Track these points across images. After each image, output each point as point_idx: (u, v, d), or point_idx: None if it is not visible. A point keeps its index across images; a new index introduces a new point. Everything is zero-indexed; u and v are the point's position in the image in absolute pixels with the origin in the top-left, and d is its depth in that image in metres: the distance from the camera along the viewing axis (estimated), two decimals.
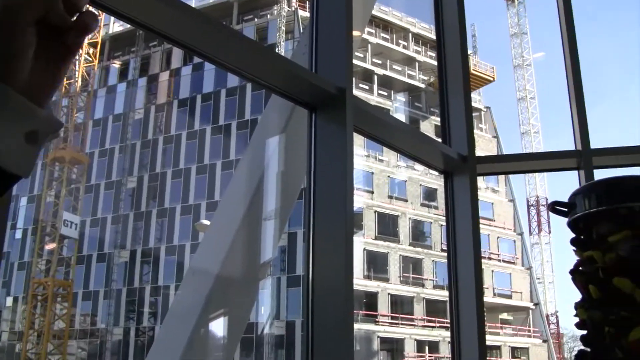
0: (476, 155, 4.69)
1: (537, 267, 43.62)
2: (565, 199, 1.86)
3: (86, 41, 37.17)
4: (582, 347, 1.74)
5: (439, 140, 4.82)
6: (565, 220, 1.85)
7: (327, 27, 3.83)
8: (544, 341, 40.51)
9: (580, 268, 1.77)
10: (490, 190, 41.79)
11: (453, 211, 4.56)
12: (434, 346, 35.27)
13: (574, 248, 1.82)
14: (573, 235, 1.83)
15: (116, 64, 43.13)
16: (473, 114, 4.72)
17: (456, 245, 4.48)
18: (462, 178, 4.59)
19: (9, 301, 38.67)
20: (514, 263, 41.98)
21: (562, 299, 42.68)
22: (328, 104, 3.63)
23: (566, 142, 4.97)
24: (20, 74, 0.80)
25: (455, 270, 4.43)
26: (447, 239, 4.58)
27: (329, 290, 3.33)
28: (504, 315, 41.04)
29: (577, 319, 1.76)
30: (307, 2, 37.03)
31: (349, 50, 3.77)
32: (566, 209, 1.83)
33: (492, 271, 39.52)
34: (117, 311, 37.04)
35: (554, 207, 1.86)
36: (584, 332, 1.73)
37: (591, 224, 1.76)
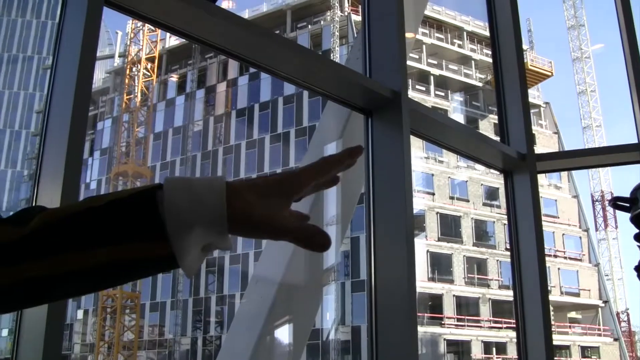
0: (536, 152, 4.65)
1: (605, 264, 42.81)
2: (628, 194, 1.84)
3: (144, 56, 37.86)
4: None
5: (497, 139, 4.79)
6: (628, 215, 1.83)
7: (379, 31, 3.85)
8: (615, 340, 39.67)
9: None
10: (553, 187, 41.17)
11: (514, 210, 4.52)
12: (501, 347, 34.87)
13: (638, 244, 1.80)
14: (636, 230, 1.81)
15: (174, 78, 43.75)
16: (532, 110, 4.68)
17: (519, 245, 4.44)
18: (522, 176, 4.55)
19: (80, 314, 39.44)
20: (580, 260, 41.24)
21: (632, 296, 41.80)
22: (384, 108, 3.65)
23: (630, 135, 4.89)
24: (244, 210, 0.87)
25: (519, 270, 4.39)
26: (510, 238, 4.55)
27: (391, 294, 3.34)
28: (573, 314, 40.34)
29: None
30: (360, 6, 37.05)
31: (403, 53, 3.78)
32: (628, 204, 1.81)
33: (559, 269, 38.91)
34: (184, 321, 37.50)
35: (616, 202, 1.84)
36: None
37: None
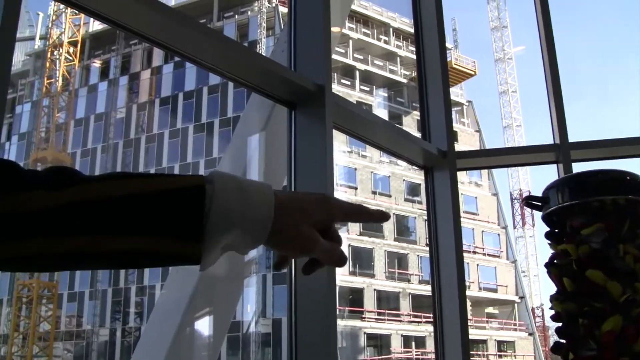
0: (456, 150, 4.73)
1: (522, 261, 43.88)
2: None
3: (66, 40, 37.03)
4: (558, 339, 1.77)
5: (419, 135, 4.85)
6: (540, 214, 1.88)
7: (305, 25, 3.85)
8: (530, 334, 40.73)
9: (555, 261, 1.80)
10: (473, 184, 41.97)
11: (434, 206, 4.59)
12: (420, 342, 35.40)
13: (549, 241, 1.85)
14: (548, 228, 1.86)
15: (97, 63, 42.93)
16: (455, 109, 4.76)
17: (438, 241, 4.51)
18: (442, 173, 4.62)
19: None
20: (498, 257, 42.17)
21: (547, 292, 42.87)
22: (307, 101, 3.65)
23: (548, 135, 5.02)
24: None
25: (438, 266, 4.46)
26: (429, 234, 4.62)
27: (311, 287, 3.35)
28: (490, 309, 41.24)
29: (552, 312, 1.79)
30: None
31: (327, 47, 3.79)
32: (540, 203, 1.86)
33: (477, 265, 39.70)
34: (102, 312, 36.90)
35: (529, 201, 1.89)
36: (560, 324, 1.76)
37: (565, 218, 1.78)
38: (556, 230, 1.83)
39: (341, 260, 0.96)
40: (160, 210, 0.81)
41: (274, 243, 0.89)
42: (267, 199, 0.86)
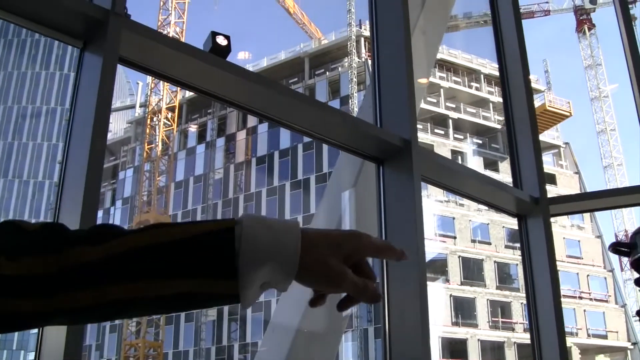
0: (553, 194, 4.68)
1: (632, 305, 42.25)
2: None
3: (164, 106, 38.29)
4: None
5: (510, 184, 4.82)
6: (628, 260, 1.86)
7: (388, 80, 3.92)
8: None
9: None
10: (575, 228, 40.87)
11: (529, 253, 4.54)
12: None
13: (639, 288, 1.83)
14: (637, 275, 1.84)
15: (193, 128, 44.12)
16: (552, 151, 4.71)
17: (535, 289, 4.45)
18: (535, 220, 4.58)
19: None
20: (607, 301, 40.74)
21: None
22: (394, 156, 3.71)
23: None
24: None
25: (536, 314, 4.40)
26: (525, 282, 4.56)
27: (406, 340, 3.35)
28: (601, 357, 39.73)
29: None
30: (371, 56, 37.31)
31: (412, 102, 3.85)
32: (627, 249, 1.85)
33: (584, 311, 38.44)
34: None
35: (616, 247, 1.88)
36: None
37: None
38: None
39: (374, 297, 0.96)
40: (197, 254, 0.87)
41: (304, 278, 0.92)
42: (294, 235, 0.90)
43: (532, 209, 4.57)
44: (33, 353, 2.26)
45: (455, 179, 4.22)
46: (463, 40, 41.28)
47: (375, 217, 3.77)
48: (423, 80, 5.70)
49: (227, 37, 2.97)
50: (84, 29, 2.67)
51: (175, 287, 0.87)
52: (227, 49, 2.96)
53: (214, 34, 2.96)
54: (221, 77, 2.96)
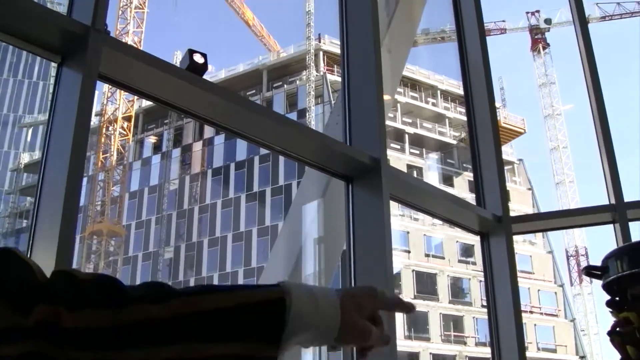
0: (511, 214, 4.77)
1: (581, 319, 42.86)
2: (604, 249, 1.96)
3: (120, 115, 37.97)
4: None
5: (474, 202, 4.91)
6: (600, 282, 1.93)
7: (359, 100, 3.97)
8: None
9: (617, 329, 1.84)
10: (527, 243, 41.34)
11: (491, 271, 4.62)
12: None
13: (610, 310, 1.90)
14: (608, 297, 1.91)
15: (152, 139, 43.79)
16: (506, 167, 4.81)
17: (496, 305, 4.53)
18: (498, 238, 4.66)
19: None
20: (556, 316, 41.27)
21: (609, 350, 41.71)
22: (363, 174, 3.76)
23: (603, 191, 5.01)
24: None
25: (497, 329, 4.48)
26: (487, 298, 4.64)
27: (374, 354, 3.39)
28: None
29: None
30: (335, 67, 37.52)
31: (382, 121, 3.91)
32: (600, 272, 1.92)
33: (535, 325, 38.88)
34: None
35: (589, 271, 1.95)
36: None
37: (625, 286, 1.84)
38: (617, 298, 1.88)
39: (388, 342, 1.08)
40: (247, 320, 0.94)
41: (338, 339, 1.01)
42: (334, 305, 0.99)
43: (495, 227, 4.66)
44: None
45: (423, 198, 4.29)
46: (421, 57, 41.66)
47: (344, 229, 3.81)
48: (387, 97, 5.77)
49: (204, 55, 3.00)
50: (62, 44, 2.67)
51: (224, 349, 0.92)
52: (204, 67, 2.98)
53: (191, 52, 2.98)
54: (200, 95, 2.98)
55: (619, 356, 1.84)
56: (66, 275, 0.90)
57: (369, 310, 1.03)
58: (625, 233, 4.59)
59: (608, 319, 1.92)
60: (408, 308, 1.14)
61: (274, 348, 0.94)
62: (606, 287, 1.91)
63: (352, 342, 1.03)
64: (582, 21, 5.60)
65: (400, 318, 33.52)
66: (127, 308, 0.88)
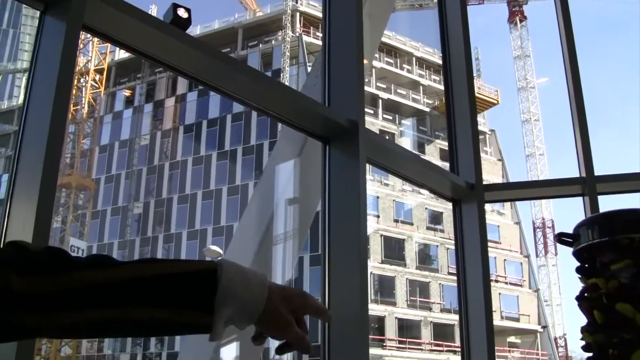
0: (483, 182, 4.83)
1: (544, 290, 43.52)
2: (571, 222, 2.01)
3: (92, 68, 37.51)
4: None
5: (447, 169, 4.96)
6: (571, 250, 1.99)
7: (338, 61, 3.97)
8: None
9: (586, 294, 1.90)
10: (496, 213, 41.76)
11: (462, 238, 4.69)
12: None
13: (579, 276, 1.96)
14: (578, 263, 1.97)
15: (127, 93, 43.35)
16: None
17: (465, 272, 4.60)
18: (470, 206, 4.72)
19: None
20: (521, 285, 41.86)
21: (570, 321, 42.53)
22: (341, 136, 3.77)
23: (572, 165, 5.09)
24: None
25: (465, 297, 4.55)
26: (457, 265, 4.71)
27: (344, 314, 3.44)
28: (512, 339, 40.85)
29: (583, 342, 1.89)
30: (311, 28, 37.33)
31: (361, 84, 3.92)
32: (571, 240, 1.97)
33: (499, 294, 39.41)
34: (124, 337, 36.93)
35: (560, 237, 2.00)
36: (590, 354, 1.86)
37: (595, 254, 1.89)
38: (586, 265, 1.94)
39: (308, 348, 1.14)
40: (182, 288, 1.03)
41: (260, 321, 1.10)
42: (262, 284, 1.09)
43: (467, 195, 4.71)
44: None
45: (399, 162, 4.33)
46: (397, 23, 41.50)
47: (319, 190, 3.83)
48: (365, 61, 5.77)
49: (188, 10, 2.99)
50: None
51: (160, 314, 1.01)
52: (187, 22, 2.98)
53: (175, 6, 2.97)
54: (182, 50, 2.98)
55: (585, 321, 1.89)
56: (19, 246, 0.97)
57: (295, 307, 1.12)
58: (595, 206, 4.67)
59: (572, 290, 1.98)
60: (329, 317, 1.26)
61: (206, 316, 1.02)
62: (576, 254, 1.96)
63: (273, 329, 1.11)
64: None
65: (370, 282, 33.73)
66: (72, 274, 0.96)
